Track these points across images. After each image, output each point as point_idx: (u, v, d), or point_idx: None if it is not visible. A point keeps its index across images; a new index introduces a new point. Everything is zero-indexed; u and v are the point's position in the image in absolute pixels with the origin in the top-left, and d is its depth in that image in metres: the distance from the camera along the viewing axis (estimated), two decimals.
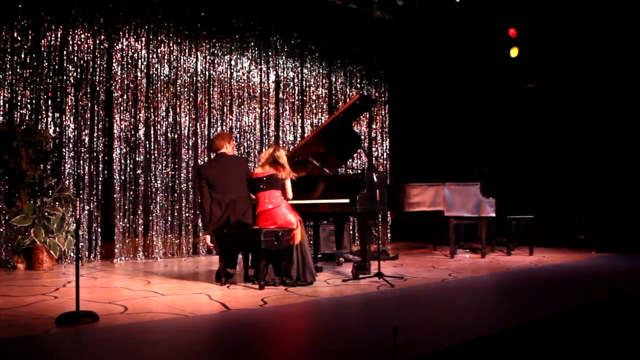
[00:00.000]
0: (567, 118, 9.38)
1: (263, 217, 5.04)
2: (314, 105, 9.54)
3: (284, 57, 9.19)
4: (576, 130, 9.24)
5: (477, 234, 7.70)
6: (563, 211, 9.35)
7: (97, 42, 7.29)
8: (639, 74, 8.51)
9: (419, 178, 8.51)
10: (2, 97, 6.57)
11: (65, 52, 7.01)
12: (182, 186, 7.94)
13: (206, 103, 8.27)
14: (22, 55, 6.71)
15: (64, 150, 6.96)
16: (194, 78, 8.13)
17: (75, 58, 7.09)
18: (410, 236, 10.27)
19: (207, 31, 8.29)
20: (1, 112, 6.56)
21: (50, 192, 6.38)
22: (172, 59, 7.93)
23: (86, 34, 7.19)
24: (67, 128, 6.98)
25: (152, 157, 7.70)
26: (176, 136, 7.94)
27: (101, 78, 7.30)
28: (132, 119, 7.56)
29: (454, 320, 3.60)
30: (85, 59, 7.17)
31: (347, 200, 5.39)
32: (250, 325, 3.55)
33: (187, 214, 7.95)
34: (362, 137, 9.89)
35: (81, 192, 7.00)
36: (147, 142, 7.67)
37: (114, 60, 7.42)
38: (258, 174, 5.13)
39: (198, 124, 8.15)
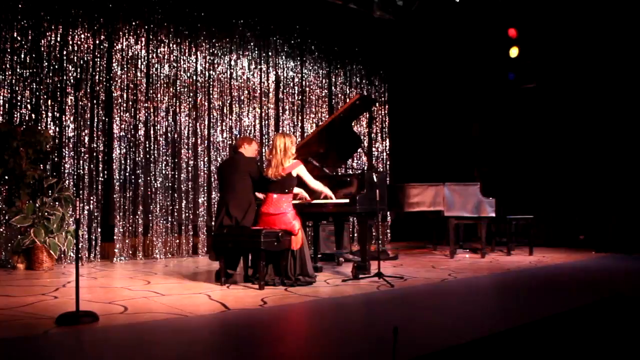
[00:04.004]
0: (566, 118, 9.38)
1: (266, 219, 5.02)
2: (313, 106, 9.54)
3: (284, 57, 9.19)
4: (576, 130, 9.24)
5: (477, 234, 7.70)
6: (563, 211, 9.35)
7: (97, 42, 7.29)
8: (638, 74, 8.51)
9: (419, 178, 8.51)
10: (2, 97, 6.57)
11: (65, 52, 7.01)
12: (182, 186, 7.94)
13: (206, 103, 8.27)
14: (22, 55, 6.71)
15: (64, 150, 6.96)
16: (194, 78, 8.13)
17: (75, 58, 7.09)
18: (410, 236, 10.27)
19: (207, 31, 8.29)
20: (1, 112, 6.56)
21: (50, 192, 6.38)
22: (172, 59, 7.93)
23: (86, 34, 7.19)
24: (67, 128, 6.98)
25: (152, 157, 7.70)
26: (176, 136, 7.95)
27: (101, 78, 7.30)
28: (132, 119, 7.56)
29: (454, 320, 3.60)
30: (85, 59, 7.17)
31: (347, 200, 5.40)
32: (250, 325, 3.55)
33: (187, 214, 7.95)
34: (362, 137, 9.89)
35: (81, 192, 7.00)
36: (147, 142, 7.67)
37: (113, 60, 7.42)
38: (270, 174, 5.01)
39: (198, 124, 8.15)
